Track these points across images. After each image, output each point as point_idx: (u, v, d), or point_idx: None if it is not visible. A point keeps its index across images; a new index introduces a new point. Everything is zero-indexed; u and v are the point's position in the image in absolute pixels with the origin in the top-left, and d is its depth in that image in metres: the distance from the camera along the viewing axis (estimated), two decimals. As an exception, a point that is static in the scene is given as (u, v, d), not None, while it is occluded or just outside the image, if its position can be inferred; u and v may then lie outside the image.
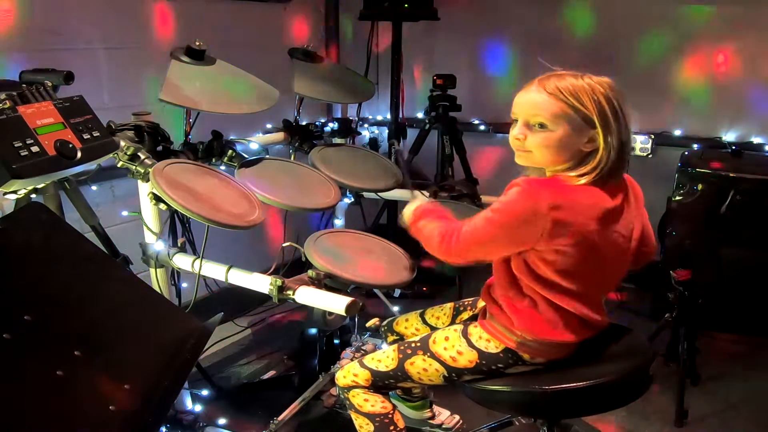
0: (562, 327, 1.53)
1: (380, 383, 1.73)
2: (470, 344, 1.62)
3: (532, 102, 1.48)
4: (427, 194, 2.55)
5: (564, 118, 1.45)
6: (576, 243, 1.43)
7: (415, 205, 1.72)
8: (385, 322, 2.03)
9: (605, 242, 1.47)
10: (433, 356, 1.65)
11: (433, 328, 1.89)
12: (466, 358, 1.62)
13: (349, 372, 1.77)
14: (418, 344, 1.69)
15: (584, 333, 1.57)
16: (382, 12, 3.28)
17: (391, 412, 1.75)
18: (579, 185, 1.44)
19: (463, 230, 1.51)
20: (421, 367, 1.67)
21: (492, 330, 1.60)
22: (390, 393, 1.80)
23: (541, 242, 1.43)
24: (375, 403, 1.73)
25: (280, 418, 2.17)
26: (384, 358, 1.73)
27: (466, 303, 1.91)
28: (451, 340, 1.65)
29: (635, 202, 1.57)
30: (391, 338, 2.00)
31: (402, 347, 1.71)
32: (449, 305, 1.94)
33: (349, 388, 1.75)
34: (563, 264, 1.45)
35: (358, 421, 1.75)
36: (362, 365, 1.75)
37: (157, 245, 1.98)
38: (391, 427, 1.73)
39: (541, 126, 1.47)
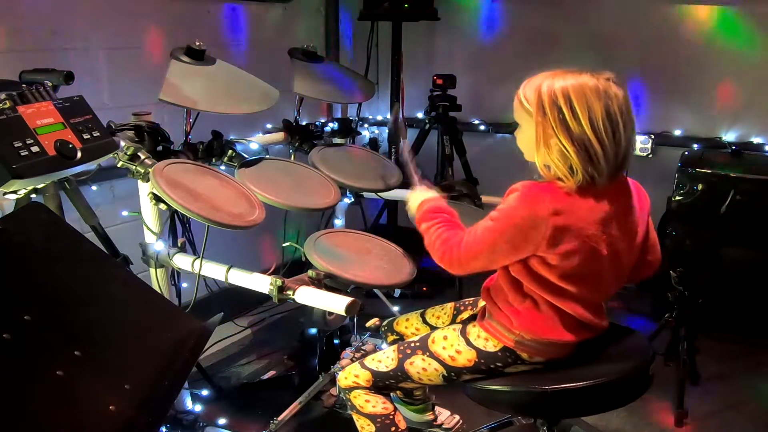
0: (562, 328, 1.53)
1: (381, 384, 1.73)
2: (469, 343, 1.62)
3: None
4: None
5: (522, 116, 1.49)
6: (577, 247, 1.42)
7: (421, 196, 1.71)
8: (385, 322, 2.03)
9: (606, 246, 1.47)
10: (432, 356, 1.65)
11: (434, 328, 1.89)
12: (465, 357, 1.62)
13: (350, 373, 1.77)
14: (418, 344, 1.70)
15: (583, 334, 1.57)
16: (382, 12, 3.28)
17: (393, 413, 1.75)
18: (577, 189, 1.43)
19: (464, 241, 1.51)
20: (420, 367, 1.67)
21: (490, 329, 1.61)
22: (392, 396, 1.80)
23: (542, 247, 1.42)
24: (376, 404, 1.73)
25: (280, 418, 2.17)
26: (384, 358, 1.73)
27: (466, 303, 1.91)
28: (450, 340, 1.65)
29: (640, 208, 1.56)
30: (391, 338, 2.00)
31: (401, 347, 1.72)
32: (450, 305, 1.94)
33: (351, 389, 1.76)
34: (565, 268, 1.45)
35: (360, 422, 1.76)
36: (363, 366, 1.76)
37: (157, 245, 1.98)
38: (393, 428, 1.73)
39: (519, 125, 1.52)
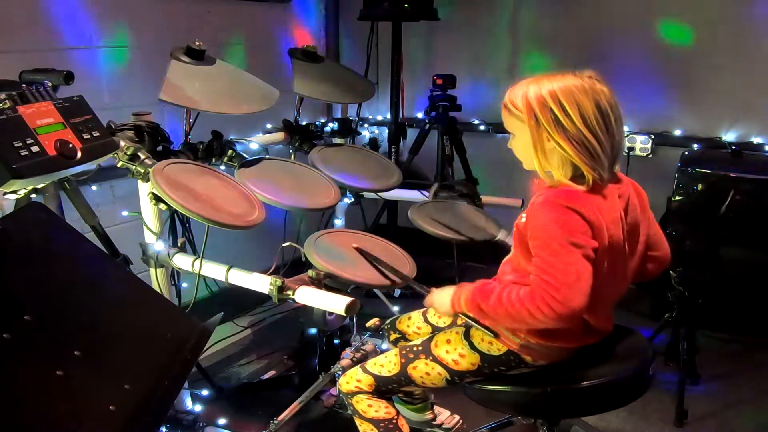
0: (570, 333, 1.52)
1: (383, 388, 1.73)
2: (472, 347, 1.61)
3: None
4: (428, 195, 2.55)
5: (514, 124, 1.48)
6: (601, 245, 1.40)
7: (446, 293, 1.59)
8: (387, 321, 2.03)
9: (620, 245, 1.47)
10: (436, 360, 1.65)
11: (436, 327, 1.89)
12: (469, 361, 1.61)
13: (352, 378, 1.76)
14: (420, 348, 1.69)
15: (591, 338, 1.56)
16: (382, 12, 3.28)
17: (395, 417, 1.74)
18: (590, 190, 1.42)
19: (545, 284, 1.35)
20: (423, 371, 1.66)
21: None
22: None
23: (590, 235, 1.38)
24: (379, 409, 1.73)
25: (280, 418, 2.17)
26: (386, 362, 1.73)
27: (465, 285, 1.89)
28: (453, 343, 1.64)
29: (640, 206, 1.56)
30: (393, 336, 1.99)
31: (404, 351, 1.71)
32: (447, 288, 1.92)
33: (353, 393, 1.75)
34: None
35: (363, 426, 1.75)
36: (365, 370, 1.75)
37: (157, 245, 1.98)
38: None
39: (511, 134, 1.51)
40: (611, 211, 1.44)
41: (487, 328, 1.57)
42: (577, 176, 1.43)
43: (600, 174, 1.41)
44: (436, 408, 2.13)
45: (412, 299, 3.21)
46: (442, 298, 1.61)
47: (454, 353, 1.63)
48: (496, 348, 1.59)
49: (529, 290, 1.39)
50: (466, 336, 1.64)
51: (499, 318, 1.47)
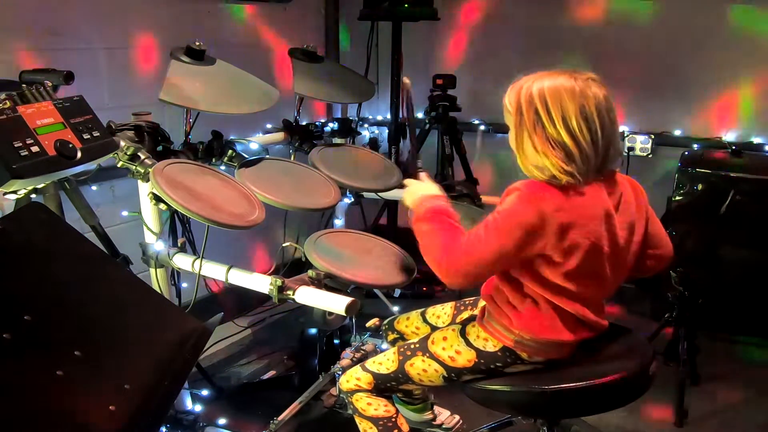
0: (562, 327, 1.53)
1: (382, 386, 1.74)
2: (468, 343, 1.62)
3: None
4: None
5: (508, 119, 1.50)
6: (581, 244, 1.43)
7: (421, 189, 1.65)
8: (386, 321, 2.04)
9: (608, 242, 1.47)
10: (432, 356, 1.66)
11: (434, 327, 1.89)
12: (465, 358, 1.62)
13: (351, 376, 1.77)
14: (417, 345, 1.70)
15: (583, 333, 1.57)
16: (382, 12, 3.28)
17: (395, 415, 1.75)
18: (573, 186, 1.42)
19: (465, 245, 1.45)
20: (420, 368, 1.67)
21: (490, 329, 1.61)
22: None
23: (550, 245, 1.42)
24: (378, 407, 1.74)
25: (280, 418, 2.17)
26: (385, 360, 1.74)
27: (467, 302, 1.91)
28: (450, 340, 1.65)
29: (636, 202, 1.56)
30: (391, 337, 2.00)
31: (402, 349, 1.72)
32: (450, 304, 1.94)
33: (353, 392, 1.76)
34: (569, 266, 1.44)
35: (363, 425, 1.76)
36: (364, 369, 1.76)
37: (157, 245, 1.98)
38: (395, 431, 1.73)
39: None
40: (591, 208, 1.44)
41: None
42: (553, 175, 1.43)
43: (574, 176, 1.41)
44: (436, 408, 2.13)
45: (412, 299, 3.22)
46: (412, 193, 1.64)
47: (451, 350, 1.64)
48: (492, 345, 1.60)
49: (448, 242, 1.47)
50: (462, 333, 1.65)
51: (420, 237, 1.53)
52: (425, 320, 1.94)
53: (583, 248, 1.43)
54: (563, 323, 1.53)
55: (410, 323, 1.96)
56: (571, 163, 1.40)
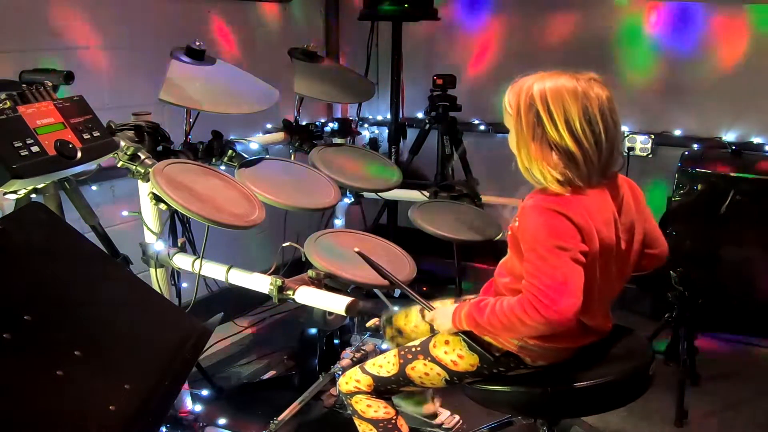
0: (565, 333, 1.50)
1: (382, 388, 1.73)
2: (471, 348, 1.61)
3: None
4: (427, 195, 2.55)
5: (508, 120, 1.47)
6: (592, 248, 1.40)
7: (446, 311, 1.59)
8: (384, 317, 2.02)
9: (615, 246, 1.46)
10: (434, 360, 1.64)
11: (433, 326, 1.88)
12: (468, 362, 1.61)
13: (351, 378, 1.76)
14: (419, 349, 1.68)
15: (589, 338, 1.56)
16: (382, 12, 3.28)
17: (395, 417, 1.74)
18: (578, 191, 1.41)
19: (535, 288, 1.35)
20: (422, 372, 1.66)
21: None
22: None
23: (579, 239, 1.37)
24: (378, 409, 1.73)
25: (280, 418, 2.17)
26: (385, 363, 1.72)
27: (466, 301, 1.90)
28: (452, 344, 1.64)
29: (635, 204, 1.55)
30: (390, 332, 1.98)
31: (402, 352, 1.70)
32: (449, 301, 1.93)
33: (352, 394, 1.75)
34: (586, 271, 1.40)
35: (362, 427, 1.75)
36: (364, 371, 1.75)
37: (157, 245, 1.98)
38: None
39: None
40: (602, 213, 1.43)
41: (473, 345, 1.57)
42: (555, 180, 1.41)
43: (573, 182, 1.39)
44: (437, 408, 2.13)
45: (412, 300, 3.21)
46: (443, 317, 1.60)
47: (453, 354, 1.63)
48: (495, 349, 1.59)
49: (519, 297, 1.39)
50: (465, 337, 1.63)
51: (495, 330, 1.48)
52: (424, 318, 1.93)
53: (592, 252, 1.40)
54: (570, 330, 1.50)
55: (409, 321, 1.96)
56: (573, 167, 1.38)
